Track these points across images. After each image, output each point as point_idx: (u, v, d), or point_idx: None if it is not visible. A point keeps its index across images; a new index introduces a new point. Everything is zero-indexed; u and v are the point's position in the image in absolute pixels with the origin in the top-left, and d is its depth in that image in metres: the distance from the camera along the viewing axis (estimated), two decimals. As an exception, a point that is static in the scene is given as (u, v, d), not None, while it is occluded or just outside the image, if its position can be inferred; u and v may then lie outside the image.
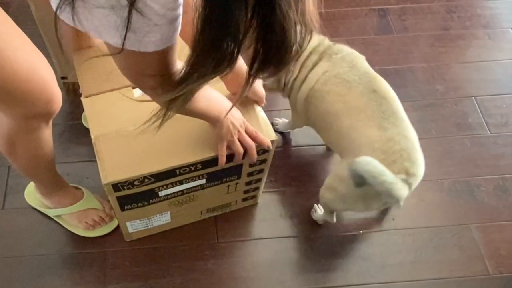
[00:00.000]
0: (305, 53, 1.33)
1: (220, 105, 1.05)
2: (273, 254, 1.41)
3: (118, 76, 1.38)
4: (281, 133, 1.64)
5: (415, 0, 2.04)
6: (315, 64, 1.32)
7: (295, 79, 1.35)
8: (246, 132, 1.15)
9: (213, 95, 1.05)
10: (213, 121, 1.09)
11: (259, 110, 1.25)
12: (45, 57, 0.97)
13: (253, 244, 1.44)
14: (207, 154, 1.16)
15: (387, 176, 1.08)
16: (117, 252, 1.40)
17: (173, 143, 1.17)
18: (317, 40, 1.34)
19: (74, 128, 1.61)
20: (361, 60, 1.33)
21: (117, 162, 1.13)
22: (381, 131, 1.18)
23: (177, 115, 1.22)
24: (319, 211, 1.44)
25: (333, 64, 1.30)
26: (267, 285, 1.36)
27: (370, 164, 1.08)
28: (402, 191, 1.10)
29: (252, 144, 1.15)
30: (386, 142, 1.17)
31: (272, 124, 1.63)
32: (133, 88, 1.28)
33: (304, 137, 1.64)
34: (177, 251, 1.40)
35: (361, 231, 1.46)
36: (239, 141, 1.14)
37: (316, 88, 1.30)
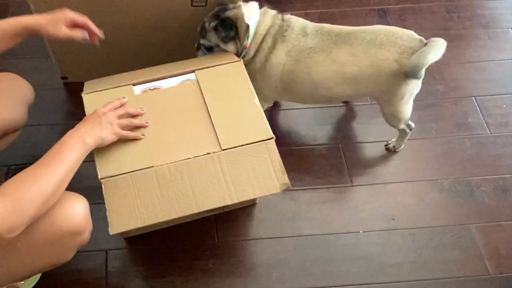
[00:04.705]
0: (261, 34, 1.35)
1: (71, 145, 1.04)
2: (273, 254, 1.41)
3: (119, 75, 1.39)
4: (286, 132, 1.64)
5: (415, 0, 2.05)
6: (273, 48, 1.35)
7: (252, 59, 1.38)
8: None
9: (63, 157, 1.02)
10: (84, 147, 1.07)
11: (257, 105, 1.25)
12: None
13: (253, 244, 1.44)
14: (202, 152, 1.17)
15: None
16: (117, 252, 1.40)
17: (166, 139, 1.20)
18: (270, 19, 1.36)
19: (74, 128, 1.61)
20: (298, 22, 1.37)
21: (113, 160, 1.16)
22: (389, 48, 1.31)
23: (170, 112, 1.23)
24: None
25: (289, 41, 1.34)
26: (267, 285, 1.36)
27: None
28: None
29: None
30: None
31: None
32: (133, 85, 1.28)
33: (304, 137, 1.64)
34: (177, 251, 1.40)
35: (361, 231, 1.46)
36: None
37: (290, 69, 1.35)
